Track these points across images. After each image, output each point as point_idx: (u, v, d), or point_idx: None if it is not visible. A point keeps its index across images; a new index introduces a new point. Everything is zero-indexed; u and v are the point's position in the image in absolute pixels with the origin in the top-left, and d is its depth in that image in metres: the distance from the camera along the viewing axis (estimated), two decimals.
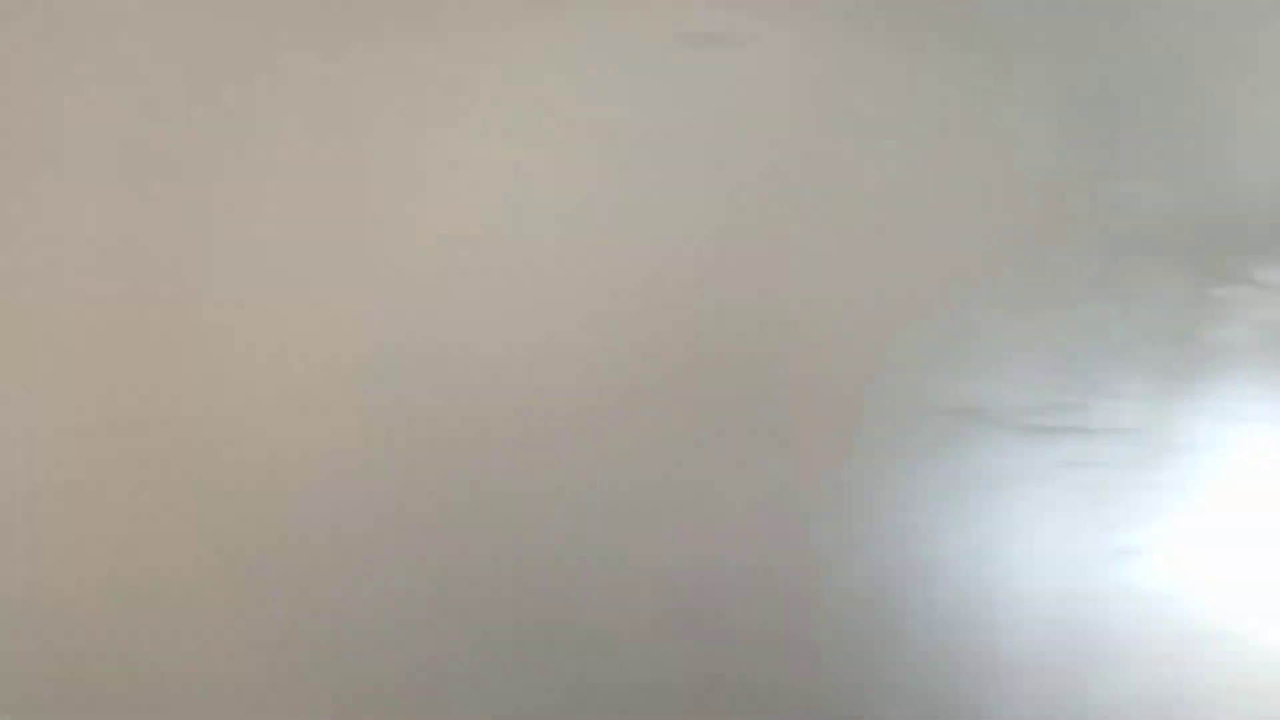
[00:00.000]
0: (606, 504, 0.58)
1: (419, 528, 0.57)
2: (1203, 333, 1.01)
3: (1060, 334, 0.86)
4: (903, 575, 0.75)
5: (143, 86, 0.56)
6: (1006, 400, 0.82)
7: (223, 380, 0.54)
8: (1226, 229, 1.08)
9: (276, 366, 0.54)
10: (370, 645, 0.55)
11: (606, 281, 0.57)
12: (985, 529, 0.81)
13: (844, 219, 0.72)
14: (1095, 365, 0.90)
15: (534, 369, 0.55)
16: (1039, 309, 0.85)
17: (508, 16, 0.54)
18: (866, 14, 0.74)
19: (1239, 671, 1.03)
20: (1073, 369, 0.88)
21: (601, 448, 0.57)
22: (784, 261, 0.67)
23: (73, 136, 0.57)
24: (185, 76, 0.54)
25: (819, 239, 0.70)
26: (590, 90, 0.57)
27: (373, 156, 0.53)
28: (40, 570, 0.54)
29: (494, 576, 0.55)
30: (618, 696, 0.58)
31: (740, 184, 0.64)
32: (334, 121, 0.53)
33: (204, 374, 0.54)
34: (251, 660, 0.54)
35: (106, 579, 0.53)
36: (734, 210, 0.64)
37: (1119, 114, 0.96)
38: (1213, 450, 1.01)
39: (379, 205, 0.54)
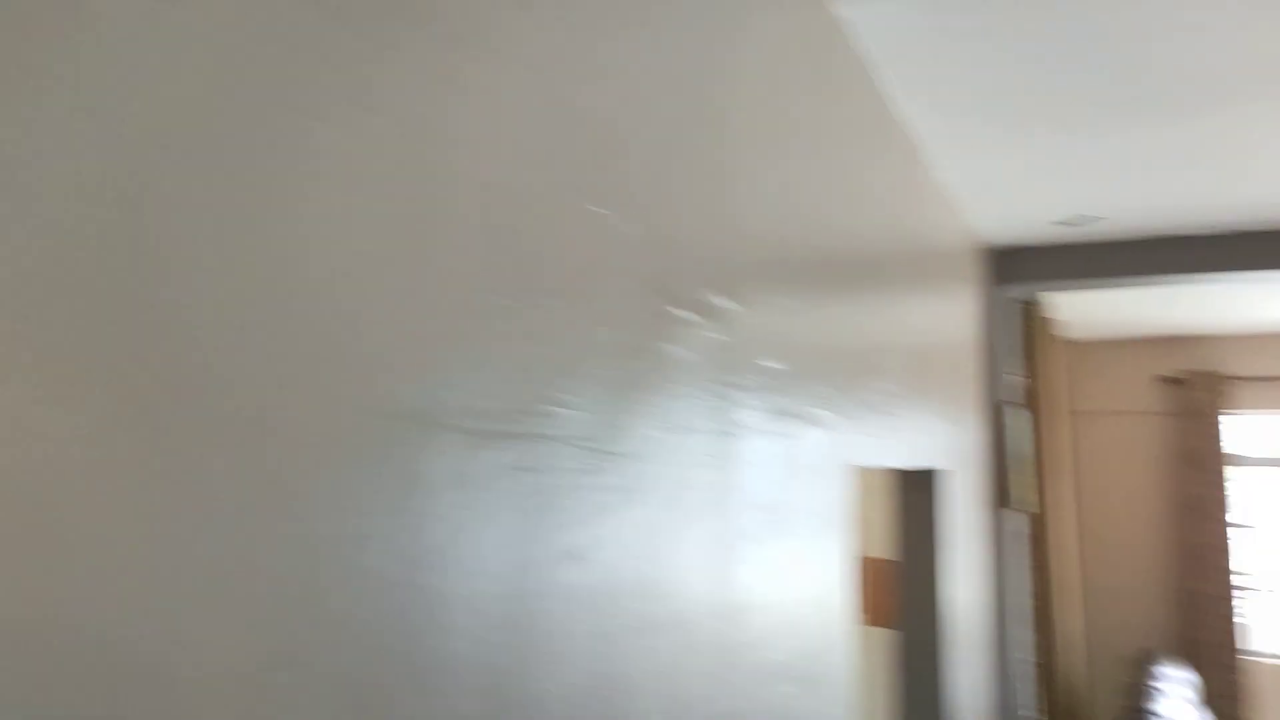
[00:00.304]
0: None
1: None
2: (654, 348, 1.11)
3: (514, 342, 0.89)
4: (342, 580, 0.73)
5: None
6: (455, 404, 0.83)
7: None
8: (680, 258, 1.20)
9: None
10: None
11: None
12: (431, 533, 0.81)
13: (269, 204, 0.68)
14: (549, 374, 0.94)
15: None
16: (492, 315, 0.87)
17: None
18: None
19: (676, 659, 1.15)
20: (526, 376, 0.91)
21: None
22: (203, 246, 0.62)
23: None
24: None
25: (244, 225, 0.65)
26: None
27: None
28: None
29: None
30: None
31: (133, 147, 0.58)
32: None
33: None
34: None
35: None
36: (131, 179, 0.58)
37: (594, 141, 1.02)
38: (657, 457, 1.11)
39: None
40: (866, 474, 3.04)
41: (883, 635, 2.94)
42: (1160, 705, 4.09)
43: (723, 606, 1.26)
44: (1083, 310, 5.10)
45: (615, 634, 1.03)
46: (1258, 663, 5.77)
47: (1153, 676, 4.60)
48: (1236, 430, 5.99)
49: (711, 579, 1.24)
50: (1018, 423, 3.74)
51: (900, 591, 2.75)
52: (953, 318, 3.14)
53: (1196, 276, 3.46)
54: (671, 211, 1.18)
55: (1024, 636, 3.69)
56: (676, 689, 1.14)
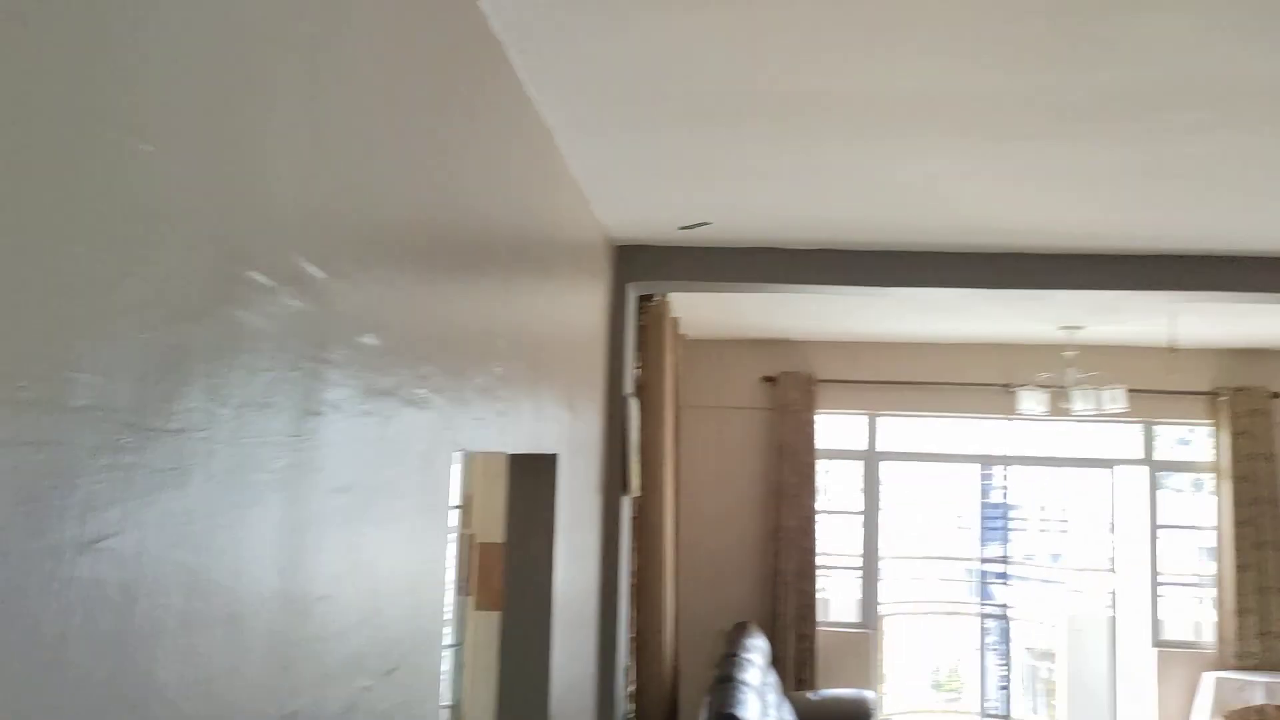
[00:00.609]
0: None
1: None
2: (220, 313, 0.99)
3: (11, 292, 0.74)
4: None
5: None
6: None
7: None
8: (261, 216, 1.09)
9: None
10: None
11: None
12: None
13: None
14: (63, 332, 0.79)
15: None
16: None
17: None
18: None
19: (226, 660, 1.03)
20: (28, 334, 0.76)
21: None
22: None
23: None
24: None
25: None
26: None
27: None
28: None
29: None
30: None
31: None
32: None
33: None
34: None
35: None
36: None
37: (147, 72, 0.88)
38: (216, 435, 1.00)
39: None
40: (482, 458, 3.03)
41: (491, 618, 2.95)
42: (746, 674, 4.51)
43: (290, 598, 1.16)
44: (701, 310, 5.49)
45: (147, 636, 0.90)
46: (827, 631, 6.58)
47: (744, 648, 5.06)
48: (824, 426, 6.79)
49: (278, 569, 1.14)
50: (633, 413, 3.94)
51: (510, 575, 2.77)
52: (579, 308, 3.22)
53: (794, 286, 3.83)
54: (251, 163, 1.06)
55: (630, 615, 3.89)
56: (224, 692, 1.02)
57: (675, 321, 5.41)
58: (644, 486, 4.23)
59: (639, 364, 4.37)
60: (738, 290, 3.96)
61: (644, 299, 4.48)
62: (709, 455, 6.72)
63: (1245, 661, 6.18)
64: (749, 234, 3.61)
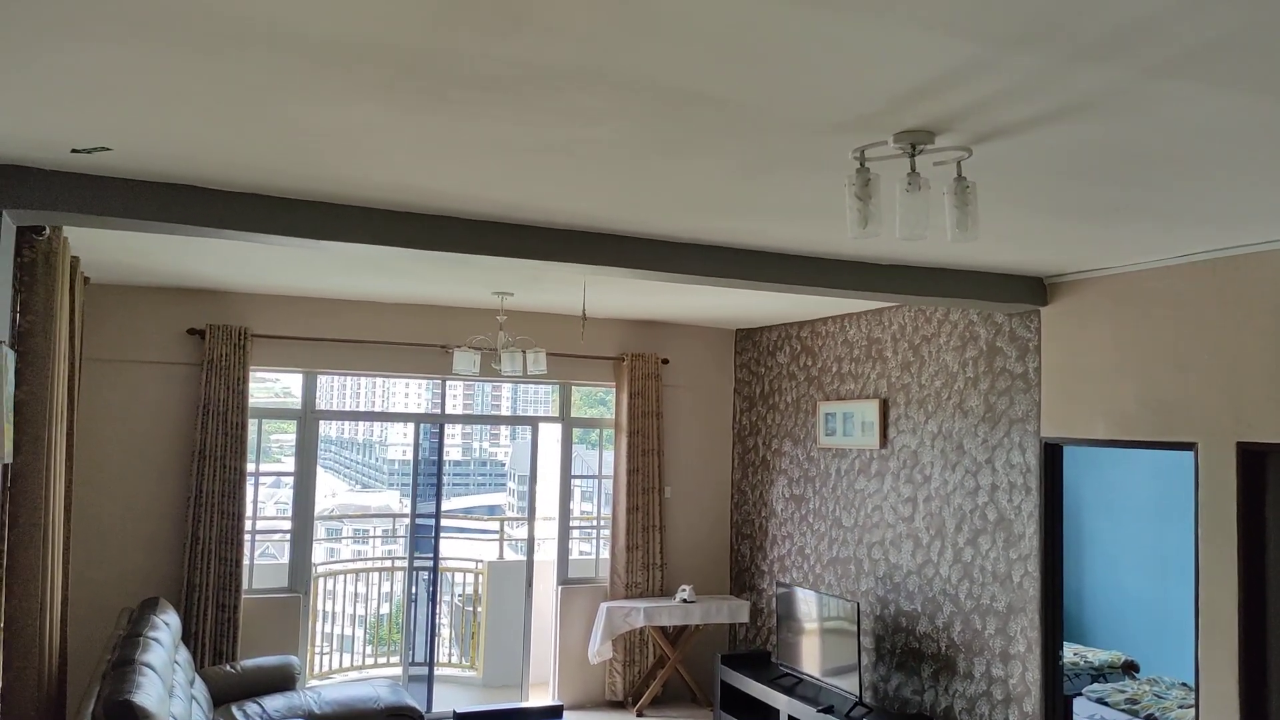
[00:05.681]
0: None
1: None
2: None
3: None
4: None
5: None
6: None
7: None
8: None
9: None
10: None
11: None
12: None
13: None
14: None
15: None
16: None
17: None
18: None
19: None
20: None
21: None
22: None
23: None
24: None
25: None
26: None
27: None
28: None
29: None
30: None
31: None
32: None
33: None
34: None
35: None
36: None
37: None
38: None
39: None
40: None
41: None
42: (149, 655, 4.10)
43: None
44: (111, 251, 4.83)
45: None
46: (253, 599, 6.27)
47: (150, 626, 4.60)
48: (257, 383, 6.43)
49: None
50: (8, 365, 3.33)
51: None
52: None
53: (214, 230, 3.52)
54: None
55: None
56: None
57: (75, 261, 4.69)
58: (21, 450, 3.61)
59: (21, 308, 3.71)
60: (148, 230, 3.53)
61: (31, 231, 3.81)
62: (119, 415, 5.99)
63: (632, 591, 7.18)
64: (163, 167, 3.23)
